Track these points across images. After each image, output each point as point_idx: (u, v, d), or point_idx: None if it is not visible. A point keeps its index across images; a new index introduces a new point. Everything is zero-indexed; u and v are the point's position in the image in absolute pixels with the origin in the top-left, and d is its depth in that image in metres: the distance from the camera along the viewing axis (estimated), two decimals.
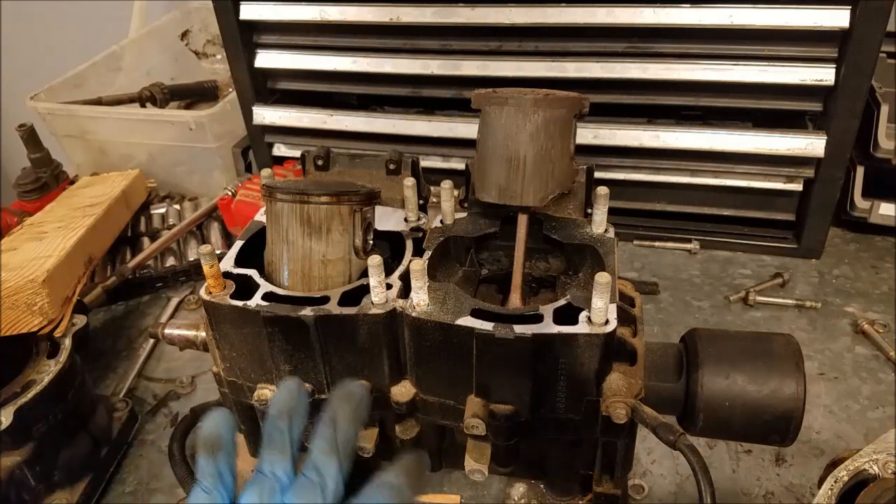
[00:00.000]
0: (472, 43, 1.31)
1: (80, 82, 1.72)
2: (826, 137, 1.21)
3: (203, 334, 0.88)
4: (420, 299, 0.74)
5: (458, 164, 1.40)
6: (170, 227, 1.50)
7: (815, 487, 0.71)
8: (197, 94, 1.89)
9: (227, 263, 0.83)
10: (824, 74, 1.17)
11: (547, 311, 0.72)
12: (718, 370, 0.75)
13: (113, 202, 1.38)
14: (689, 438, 0.70)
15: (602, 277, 0.68)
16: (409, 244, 0.86)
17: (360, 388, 0.67)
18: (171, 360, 1.23)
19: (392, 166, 0.97)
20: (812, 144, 1.22)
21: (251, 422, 0.89)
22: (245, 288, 0.79)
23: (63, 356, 0.95)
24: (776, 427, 0.74)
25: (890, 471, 0.63)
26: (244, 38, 1.41)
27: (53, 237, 1.19)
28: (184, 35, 2.00)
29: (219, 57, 1.98)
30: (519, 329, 0.70)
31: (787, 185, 1.29)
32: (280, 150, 1.55)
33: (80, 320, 1.03)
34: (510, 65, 1.30)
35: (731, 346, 0.77)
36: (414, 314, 0.73)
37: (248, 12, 1.38)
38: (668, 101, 1.28)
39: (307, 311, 0.75)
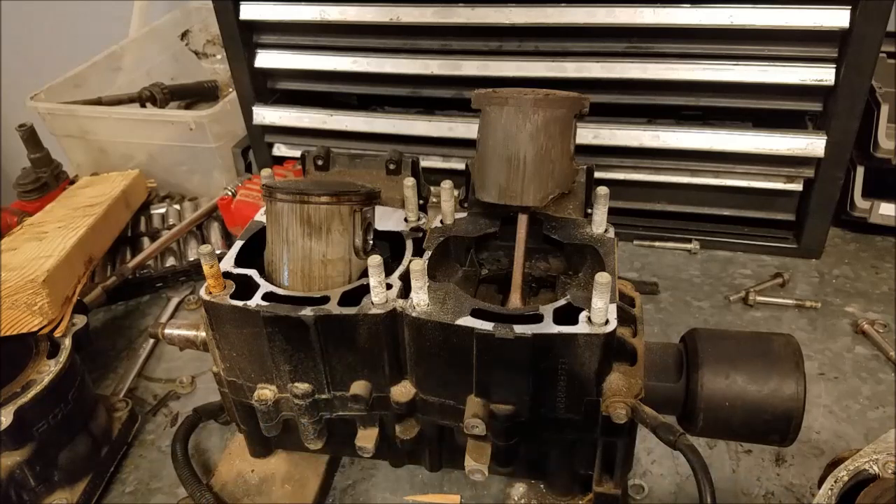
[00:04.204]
0: (472, 43, 1.31)
1: (80, 82, 1.72)
2: (826, 137, 1.21)
3: (203, 334, 0.88)
4: (420, 299, 0.74)
5: (458, 164, 1.40)
6: (170, 227, 1.50)
7: (815, 487, 0.71)
8: (197, 94, 1.89)
9: (227, 263, 0.83)
10: (824, 74, 1.17)
11: (547, 311, 0.72)
12: (718, 370, 0.75)
13: (113, 202, 1.38)
14: (689, 438, 0.70)
15: (602, 277, 0.68)
16: (409, 244, 0.86)
17: None
18: (171, 360, 1.23)
19: (392, 166, 0.97)
20: (812, 144, 1.22)
21: (251, 422, 0.89)
22: (245, 288, 0.79)
23: (63, 356, 0.95)
24: (776, 427, 0.74)
25: (890, 471, 0.63)
26: (244, 38, 1.41)
27: (53, 237, 1.19)
28: (184, 35, 2.00)
29: (219, 57, 1.98)
30: (519, 329, 0.70)
31: (787, 185, 1.29)
32: (280, 150, 1.55)
33: (80, 320, 1.03)
34: (510, 65, 1.30)
35: (731, 346, 0.77)
36: (414, 314, 0.73)
37: (248, 12, 1.38)
38: (668, 101, 1.28)
39: (307, 311, 0.75)
